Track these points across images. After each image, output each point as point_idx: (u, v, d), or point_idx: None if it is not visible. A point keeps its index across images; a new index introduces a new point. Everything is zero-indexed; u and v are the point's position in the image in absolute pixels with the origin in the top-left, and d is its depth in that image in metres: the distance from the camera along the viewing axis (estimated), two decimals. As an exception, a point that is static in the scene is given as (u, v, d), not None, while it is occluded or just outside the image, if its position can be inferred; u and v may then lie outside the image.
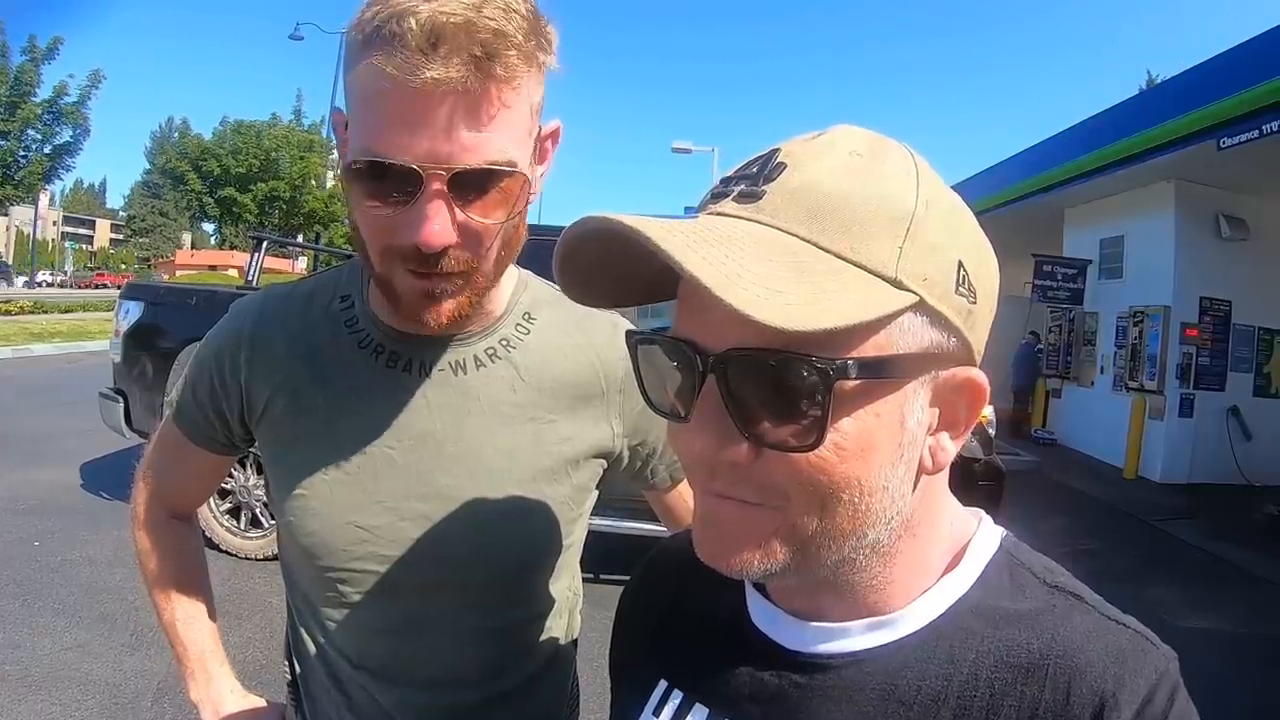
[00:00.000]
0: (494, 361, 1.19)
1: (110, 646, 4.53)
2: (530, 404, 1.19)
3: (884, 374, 0.60)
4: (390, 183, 0.94)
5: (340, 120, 1.04)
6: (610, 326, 1.28)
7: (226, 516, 5.99)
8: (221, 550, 5.89)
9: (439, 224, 0.94)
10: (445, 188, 0.93)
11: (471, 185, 0.95)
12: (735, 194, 0.64)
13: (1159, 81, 20.02)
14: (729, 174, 0.67)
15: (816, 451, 0.60)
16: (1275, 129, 9.29)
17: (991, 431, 7.23)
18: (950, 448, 0.69)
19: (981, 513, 0.80)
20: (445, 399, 1.16)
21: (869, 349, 0.59)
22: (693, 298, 0.64)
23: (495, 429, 1.17)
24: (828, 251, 0.59)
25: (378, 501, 1.14)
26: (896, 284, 0.59)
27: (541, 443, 1.19)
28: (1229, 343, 13.15)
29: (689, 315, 0.64)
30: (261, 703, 1.38)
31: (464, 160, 0.92)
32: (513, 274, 1.24)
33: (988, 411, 7.51)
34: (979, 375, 0.67)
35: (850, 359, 0.58)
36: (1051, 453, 14.47)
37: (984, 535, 0.76)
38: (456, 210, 0.95)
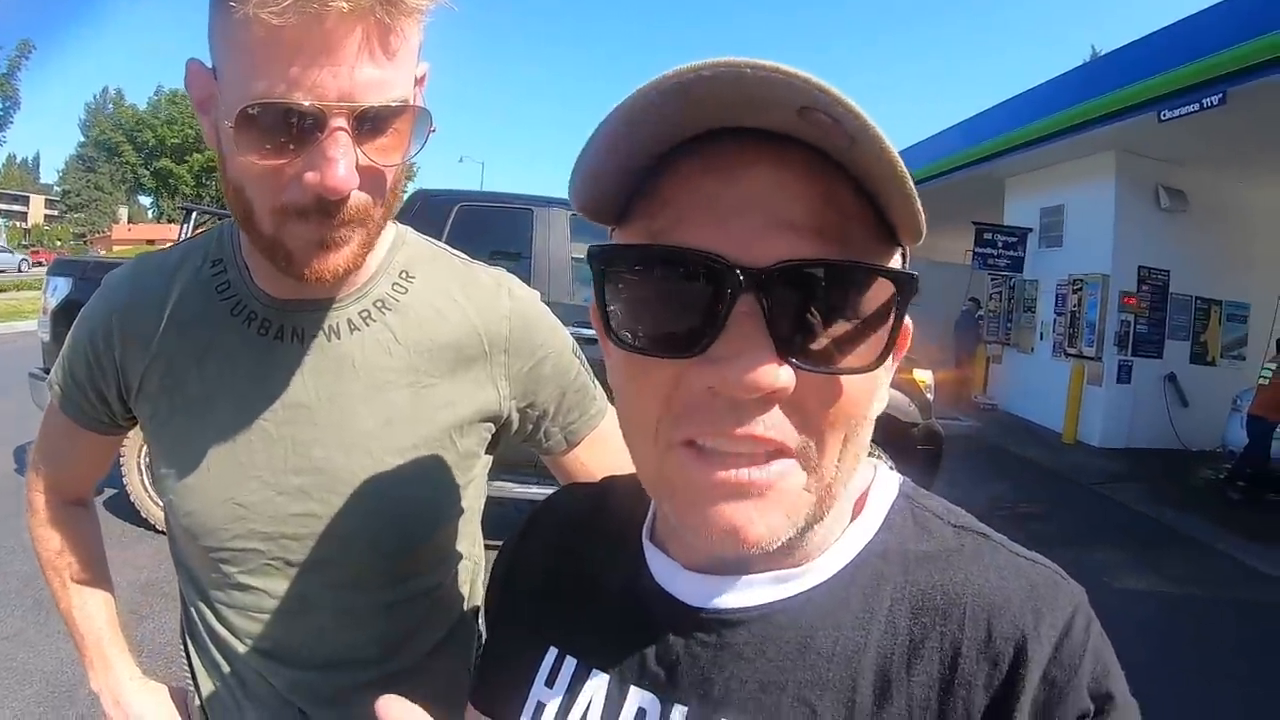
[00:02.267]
0: (369, 324, 1.13)
1: (46, 635, 4.41)
2: (408, 367, 1.13)
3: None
4: (288, 128, 0.88)
5: (201, 72, 0.97)
6: (494, 283, 1.22)
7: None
8: (157, 530, 5.73)
9: (345, 168, 0.88)
10: (348, 128, 0.88)
11: (373, 125, 0.90)
12: None
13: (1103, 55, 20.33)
14: None
15: (866, 375, 0.59)
16: (1216, 102, 9.53)
17: (930, 397, 7.32)
18: (885, 393, 0.69)
19: (877, 461, 0.79)
20: (319, 366, 1.11)
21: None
22: (715, 203, 0.58)
23: (372, 396, 1.11)
24: None
25: (254, 476, 1.09)
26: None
27: (421, 408, 1.13)
28: (1166, 311, 13.47)
29: (707, 223, 0.57)
30: (163, 690, 1.34)
31: (367, 98, 0.87)
32: (390, 229, 1.18)
33: (926, 376, 7.59)
34: (909, 321, 0.68)
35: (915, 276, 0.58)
36: (992, 418, 14.75)
37: (882, 482, 0.76)
38: (358, 152, 0.90)
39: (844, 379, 0.58)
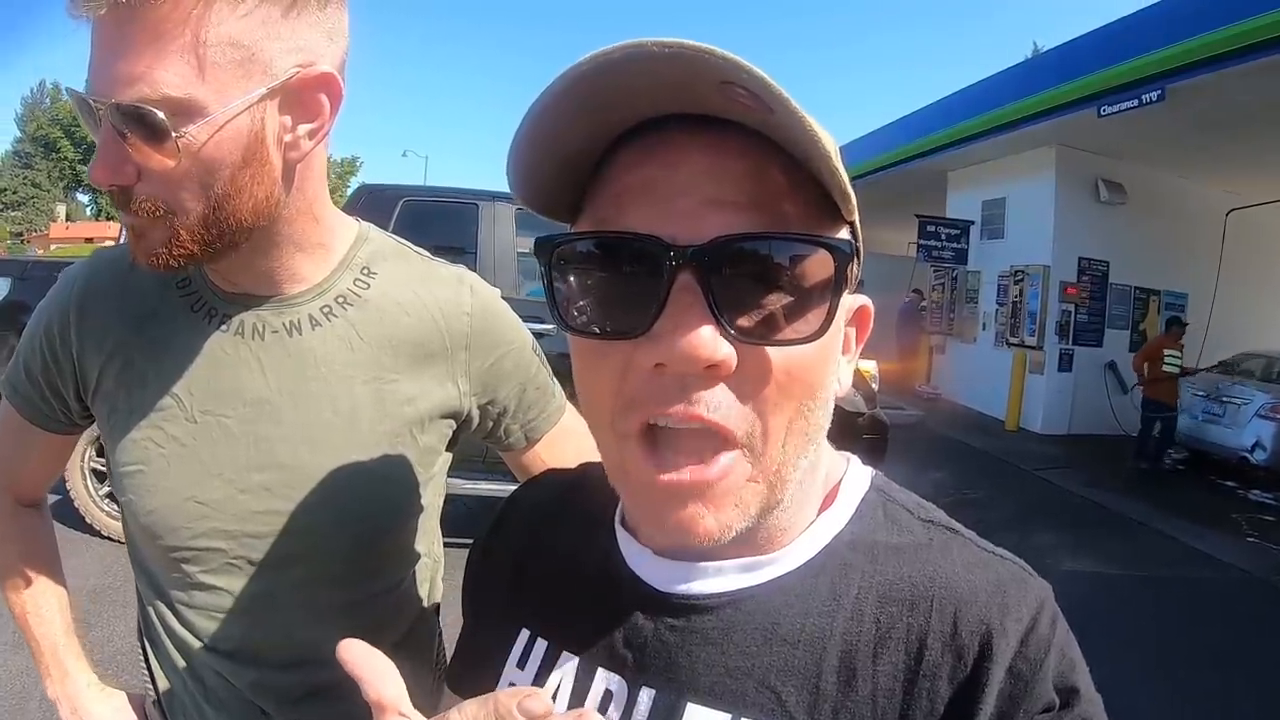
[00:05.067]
0: (330, 320, 1.12)
1: None
2: (370, 363, 1.12)
3: (855, 271, 0.62)
4: (88, 118, 0.89)
5: None
6: (455, 280, 1.22)
7: (106, 500, 5.65)
8: (103, 536, 5.60)
9: (99, 161, 0.89)
10: (110, 123, 0.87)
11: (131, 122, 0.87)
12: None
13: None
14: None
15: (807, 348, 0.59)
16: (1154, 99, 9.75)
17: (875, 386, 7.43)
18: (849, 374, 0.70)
19: (851, 455, 0.80)
20: (280, 362, 1.10)
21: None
22: (653, 187, 0.60)
23: (334, 391, 1.11)
24: None
25: (216, 474, 1.07)
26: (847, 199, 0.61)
27: (384, 404, 1.13)
28: (1106, 301, 13.76)
29: (647, 207, 0.60)
30: (121, 696, 1.31)
31: (117, 94, 0.86)
32: (350, 226, 1.18)
33: (871, 367, 7.68)
34: (869, 303, 0.71)
35: (852, 245, 0.60)
36: (935, 407, 14.92)
37: (855, 474, 0.77)
38: (133, 148, 0.89)
39: (787, 352, 0.59)
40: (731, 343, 0.57)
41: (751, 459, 0.61)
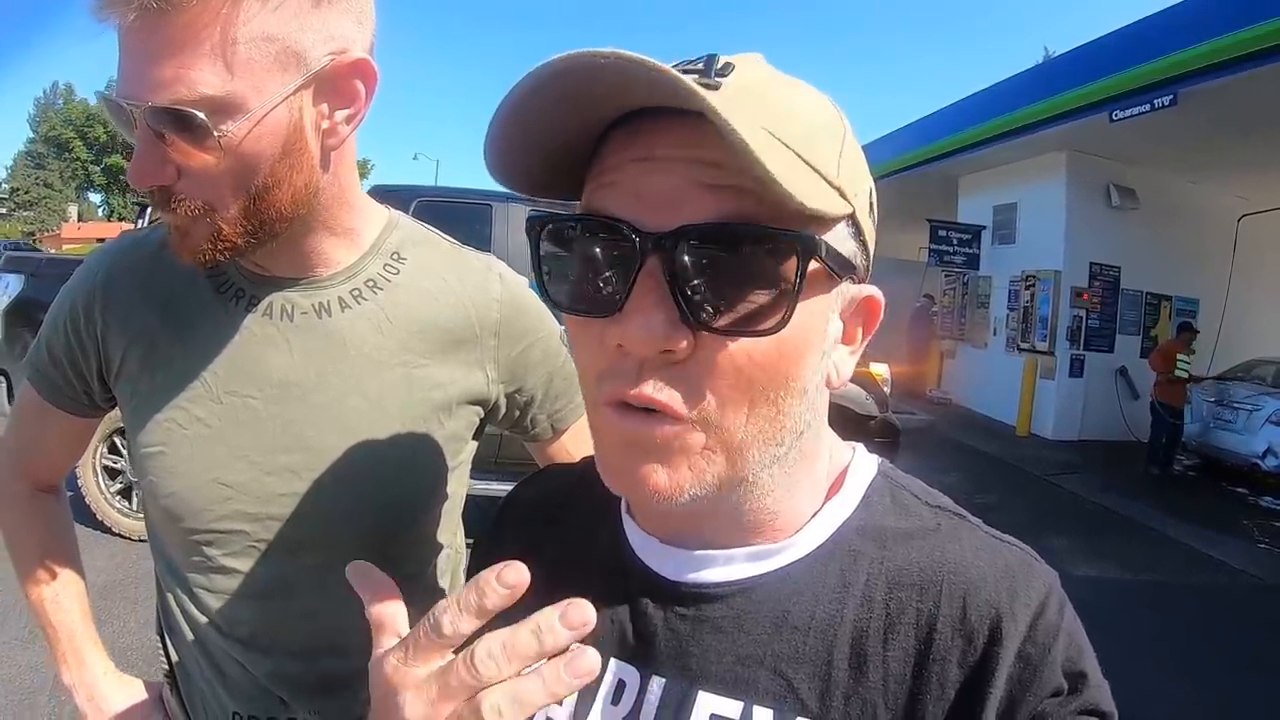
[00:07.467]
0: (360, 303, 1.12)
1: (2, 641, 4.28)
2: (399, 347, 1.12)
3: (834, 265, 0.60)
4: (123, 120, 0.90)
5: None
6: (484, 267, 1.23)
7: (118, 498, 5.71)
8: (114, 533, 5.63)
9: (138, 163, 0.90)
10: (148, 126, 0.88)
11: (170, 123, 0.88)
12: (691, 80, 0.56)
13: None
14: (671, 65, 0.59)
15: (771, 339, 0.58)
16: (1166, 103, 9.73)
17: (887, 390, 7.42)
18: (849, 366, 0.69)
19: (857, 444, 0.80)
20: (308, 344, 1.09)
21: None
22: (633, 171, 0.60)
23: (362, 375, 1.10)
24: (787, 146, 0.57)
25: (241, 456, 1.07)
26: (839, 191, 0.60)
27: (412, 388, 1.12)
28: (1118, 306, 13.71)
29: (622, 193, 0.60)
30: (138, 684, 1.32)
31: (154, 97, 0.86)
32: (381, 213, 1.19)
33: (883, 371, 7.68)
34: (878, 293, 0.69)
35: (821, 239, 0.58)
36: (946, 412, 14.92)
37: (861, 461, 0.77)
38: (172, 148, 0.90)
39: (748, 343, 0.59)
40: (691, 329, 0.58)
41: (705, 430, 0.61)
